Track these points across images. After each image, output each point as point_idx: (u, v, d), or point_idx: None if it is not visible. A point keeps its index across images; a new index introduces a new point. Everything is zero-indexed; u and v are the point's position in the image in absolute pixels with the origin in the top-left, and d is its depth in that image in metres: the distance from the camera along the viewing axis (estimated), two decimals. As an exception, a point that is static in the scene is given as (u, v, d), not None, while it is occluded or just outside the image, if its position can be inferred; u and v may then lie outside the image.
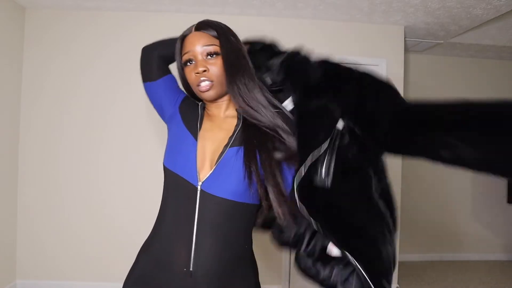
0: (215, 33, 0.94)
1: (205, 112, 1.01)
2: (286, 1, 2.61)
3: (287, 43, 3.23)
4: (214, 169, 0.89)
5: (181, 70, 0.99)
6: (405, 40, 3.17)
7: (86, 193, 2.83)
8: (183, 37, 0.96)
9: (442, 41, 3.39)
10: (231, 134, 0.93)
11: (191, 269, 0.86)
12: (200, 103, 1.03)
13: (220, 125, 0.97)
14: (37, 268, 2.80)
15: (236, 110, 0.97)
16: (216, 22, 0.96)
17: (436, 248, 3.93)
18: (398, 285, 3.05)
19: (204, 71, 0.91)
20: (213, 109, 0.99)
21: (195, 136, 0.94)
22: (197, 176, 0.89)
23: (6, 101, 2.66)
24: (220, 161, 0.89)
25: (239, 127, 0.94)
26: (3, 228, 2.67)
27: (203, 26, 0.95)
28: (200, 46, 0.92)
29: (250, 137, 0.91)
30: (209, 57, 0.92)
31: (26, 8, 2.79)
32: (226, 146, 0.91)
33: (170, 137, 1.00)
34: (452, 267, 3.71)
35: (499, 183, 3.99)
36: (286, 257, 2.91)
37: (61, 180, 2.82)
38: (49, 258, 2.81)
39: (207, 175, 0.89)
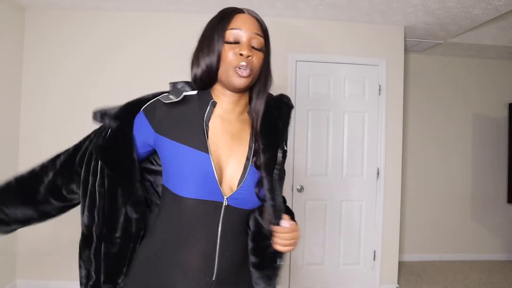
0: (265, 26, 0.90)
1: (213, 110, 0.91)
2: (286, 1, 2.61)
3: (287, 43, 3.22)
4: (239, 188, 0.86)
5: (216, 44, 0.86)
6: (405, 40, 3.17)
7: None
8: (234, 11, 0.88)
9: (442, 41, 3.39)
10: (247, 146, 0.90)
11: (213, 278, 0.86)
12: (211, 101, 0.90)
13: (231, 129, 0.90)
14: (37, 268, 2.80)
15: (248, 113, 0.94)
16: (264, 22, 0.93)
17: (436, 248, 3.93)
18: (398, 285, 3.05)
19: (249, 56, 0.84)
20: (227, 106, 0.91)
21: (204, 149, 0.84)
22: (221, 193, 0.85)
23: (6, 101, 2.67)
24: (245, 181, 0.87)
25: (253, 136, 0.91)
26: (3, 228, 2.67)
27: (256, 15, 0.89)
28: (252, 32, 0.86)
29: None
30: (253, 47, 0.86)
31: (26, 8, 2.79)
32: (247, 160, 0.88)
33: (168, 160, 0.87)
34: (452, 267, 3.71)
35: (499, 183, 3.99)
36: (286, 258, 2.91)
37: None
38: (49, 258, 2.81)
39: (233, 192, 0.86)
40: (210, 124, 0.88)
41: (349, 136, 3.01)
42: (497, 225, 4.01)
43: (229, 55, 0.84)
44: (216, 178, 0.84)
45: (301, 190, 2.96)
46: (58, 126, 2.81)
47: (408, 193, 3.84)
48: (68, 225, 2.81)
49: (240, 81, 0.85)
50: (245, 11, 0.89)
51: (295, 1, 2.61)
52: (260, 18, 0.90)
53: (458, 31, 3.08)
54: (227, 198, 0.85)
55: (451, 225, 3.94)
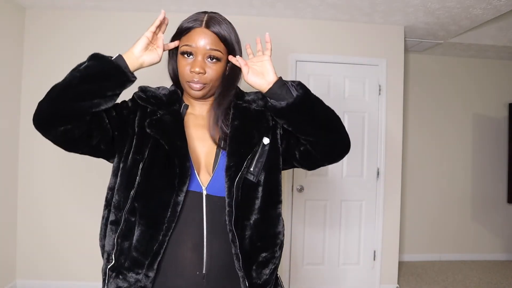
0: (224, 36, 0.91)
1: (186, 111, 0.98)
2: (286, 1, 2.61)
3: (287, 43, 3.23)
4: (213, 175, 0.90)
5: (172, 54, 0.97)
6: (405, 40, 3.17)
7: (86, 193, 2.83)
8: (191, 28, 0.92)
9: (442, 41, 3.39)
10: (218, 135, 0.94)
11: (204, 271, 0.87)
12: (183, 105, 0.98)
13: (203, 123, 0.96)
14: (37, 268, 2.80)
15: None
16: (226, 23, 0.93)
17: (436, 248, 3.93)
18: (398, 285, 3.05)
19: (201, 73, 0.89)
20: (196, 107, 0.98)
21: None
22: (200, 183, 0.89)
23: (6, 102, 2.66)
24: (217, 167, 0.90)
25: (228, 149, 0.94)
26: (3, 228, 2.67)
27: (214, 24, 0.91)
28: (206, 47, 0.89)
29: (234, 158, 0.90)
30: (209, 59, 0.90)
31: (26, 8, 2.79)
32: (218, 148, 0.92)
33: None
34: (452, 267, 3.71)
35: (499, 183, 3.99)
36: (286, 258, 2.91)
37: (61, 180, 2.82)
38: (49, 258, 2.81)
39: (209, 180, 0.89)
40: (186, 120, 0.96)
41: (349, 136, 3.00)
42: (497, 225, 4.01)
43: (184, 70, 0.90)
44: (194, 169, 0.89)
45: (301, 190, 2.96)
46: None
47: (408, 193, 3.84)
48: (68, 226, 2.82)
49: (195, 93, 0.92)
50: (203, 24, 0.91)
51: (295, 1, 2.61)
52: (221, 29, 0.91)
53: (458, 31, 3.08)
54: (205, 188, 0.88)
55: (451, 225, 3.94)
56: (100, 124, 0.85)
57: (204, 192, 0.88)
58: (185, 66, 0.90)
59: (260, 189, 0.91)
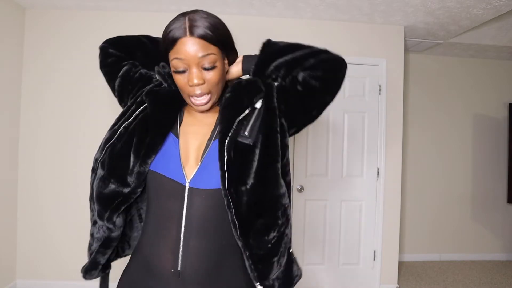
0: (212, 37, 0.84)
1: (185, 107, 0.97)
2: (286, 1, 2.61)
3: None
4: (200, 165, 0.87)
5: (165, 71, 0.96)
6: (405, 40, 3.17)
7: (86, 193, 2.83)
8: (176, 39, 0.83)
9: (442, 41, 3.39)
10: (213, 128, 0.92)
11: (179, 269, 0.84)
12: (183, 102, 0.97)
13: (202, 119, 0.94)
14: (37, 268, 2.80)
15: (218, 105, 0.96)
16: (209, 19, 0.85)
17: (436, 248, 3.94)
18: (398, 285, 3.05)
19: (200, 84, 0.85)
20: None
21: (176, 133, 0.91)
22: (183, 174, 0.86)
23: (6, 102, 2.67)
24: (205, 156, 0.87)
25: (219, 120, 0.92)
26: (3, 228, 2.67)
27: (198, 28, 0.82)
28: (197, 55, 0.82)
29: (224, 124, 0.88)
30: (205, 68, 0.85)
31: (26, 8, 2.79)
32: (209, 140, 0.90)
33: None
34: (452, 267, 3.72)
35: (499, 183, 3.99)
36: (286, 257, 2.91)
37: (61, 180, 2.82)
38: (49, 258, 2.81)
39: (194, 172, 0.86)
40: (185, 115, 0.96)
41: (349, 136, 3.01)
42: (497, 225, 4.01)
43: (182, 83, 0.87)
44: (181, 160, 0.88)
45: (301, 190, 2.96)
46: (58, 126, 2.80)
47: (408, 193, 3.84)
48: (68, 226, 2.82)
49: (200, 109, 0.90)
50: (187, 31, 0.82)
51: (295, 1, 2.61)
52: (206, 31, 0.83)
53: (458, 31, 3.08)
54: (189, 181, 0.86)
55: (451, 225, 3.94)
56: (134, 63, 1.06)
57: (187, 185, 0.85)
58: (183, 81, 0.86)
59: (257, 151, 0.86)
